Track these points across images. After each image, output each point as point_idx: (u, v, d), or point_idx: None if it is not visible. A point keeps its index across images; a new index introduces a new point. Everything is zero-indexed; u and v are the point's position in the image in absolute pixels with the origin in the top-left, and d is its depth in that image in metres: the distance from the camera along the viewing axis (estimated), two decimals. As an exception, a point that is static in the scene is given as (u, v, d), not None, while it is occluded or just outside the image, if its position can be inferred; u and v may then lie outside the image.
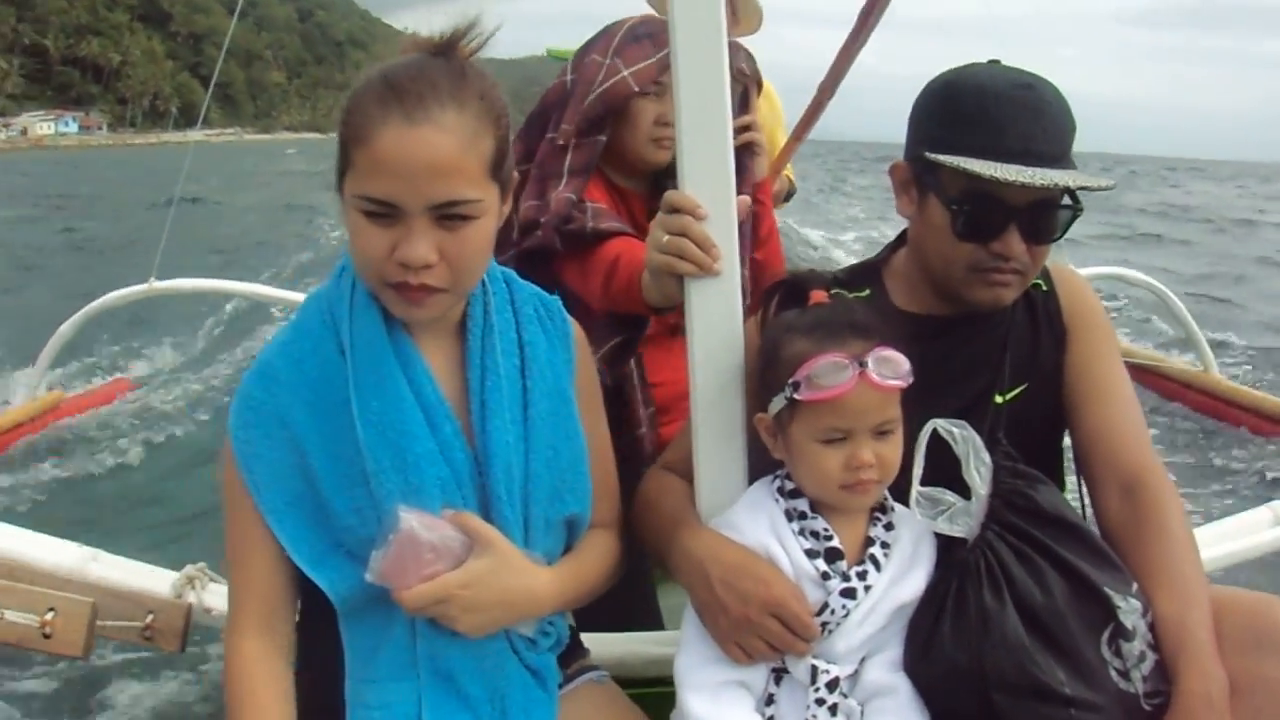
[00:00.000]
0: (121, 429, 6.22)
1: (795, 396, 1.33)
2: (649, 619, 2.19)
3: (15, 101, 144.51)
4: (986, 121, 1.42)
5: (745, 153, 2.21)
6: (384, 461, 1.27)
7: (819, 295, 1.42)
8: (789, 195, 2.78)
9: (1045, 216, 1.46)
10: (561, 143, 2.10)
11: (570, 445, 1.42)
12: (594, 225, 2.00)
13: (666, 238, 1.42)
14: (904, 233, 1.66)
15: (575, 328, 1.49)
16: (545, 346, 1.42)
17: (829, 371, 1.31)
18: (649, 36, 2.09)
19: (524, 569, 1.33)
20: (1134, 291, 7.93)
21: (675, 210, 1.42)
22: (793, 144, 2.90)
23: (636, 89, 2.06)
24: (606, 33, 2.15)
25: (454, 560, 1.28)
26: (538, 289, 1.48)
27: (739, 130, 2.18)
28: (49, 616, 1.87)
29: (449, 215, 1.21)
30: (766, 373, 1.39)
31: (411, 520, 1.24)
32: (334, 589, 1.30)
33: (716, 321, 1.45)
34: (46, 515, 4.75)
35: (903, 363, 1.33)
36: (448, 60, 1.26)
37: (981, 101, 1.43)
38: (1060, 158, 1.44)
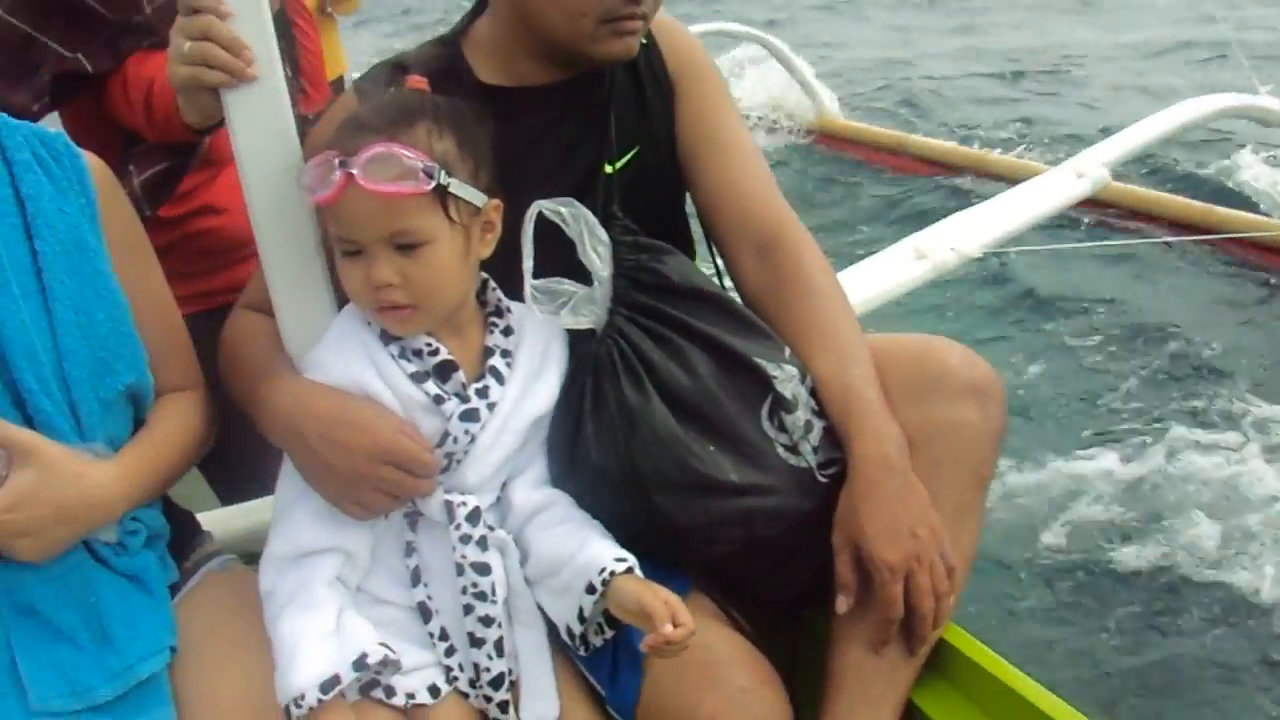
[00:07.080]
0: None
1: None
2: None
3: None
4: None
5: None
6: None
7: (417, 81, 1.21)
8: None
9: None
10: None
11: (107, 305, 1.20)
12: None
13: (189, 45, 1.20)
14: (481, 2, 1.42)
15: (92, 161, 1.24)
16: (53, 195, 1.19)
17: (312, 173, 1.14)
18: None
19: (76, 473, 1.12)
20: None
21: (194, 11, 1.19)
22: None
23: None
24: None
25: None
26: (36, 127, 1.24)
27: None
28: None
29: None
30: None
31: None
32: None
33: (264, 133, 1.25)
34: None
35: (406, 163, 1.10)
36: None
37: None
38: None
